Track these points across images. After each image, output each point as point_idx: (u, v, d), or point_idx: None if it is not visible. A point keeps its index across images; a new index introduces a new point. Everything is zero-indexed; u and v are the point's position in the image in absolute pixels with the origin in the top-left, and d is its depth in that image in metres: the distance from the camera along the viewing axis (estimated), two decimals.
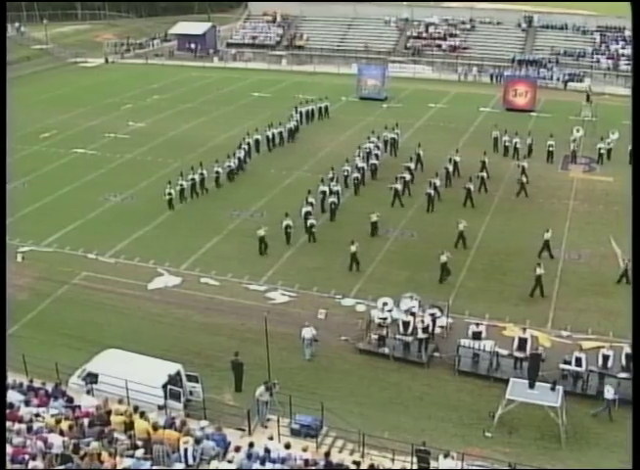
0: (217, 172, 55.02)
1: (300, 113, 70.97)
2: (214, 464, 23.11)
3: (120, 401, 26.19)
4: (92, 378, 28.61)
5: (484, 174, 53.85)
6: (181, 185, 52.18)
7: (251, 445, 23.66)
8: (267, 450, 23.41)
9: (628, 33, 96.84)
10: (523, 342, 32.61)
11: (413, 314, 34.69)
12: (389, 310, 35.30)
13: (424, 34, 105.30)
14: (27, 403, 25.66)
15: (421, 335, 33.85)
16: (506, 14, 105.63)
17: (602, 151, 60.61)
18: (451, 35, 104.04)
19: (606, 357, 31.51)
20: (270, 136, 64.00)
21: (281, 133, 65.62)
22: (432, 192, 50.59)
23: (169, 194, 51.06)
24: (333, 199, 49.36)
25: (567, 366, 31.55)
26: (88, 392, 27.59)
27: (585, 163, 60.90)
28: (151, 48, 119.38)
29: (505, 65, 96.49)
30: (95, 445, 22.53)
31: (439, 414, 30.36)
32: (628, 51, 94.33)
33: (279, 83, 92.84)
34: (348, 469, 23.64)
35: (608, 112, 74.31)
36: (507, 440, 28.62)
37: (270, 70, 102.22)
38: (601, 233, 44.71)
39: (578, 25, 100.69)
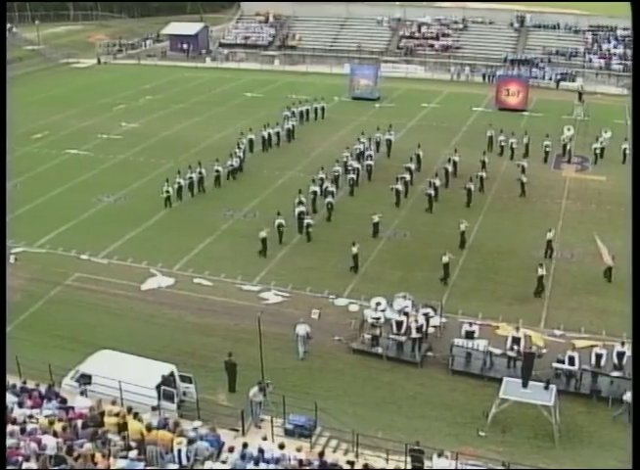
0: (217, 171, 55.09)
1: (293, 112, 70.91)
2: (208, 465, 23.10)
3: (114, 403, 26.13)
4: (85, 379, 28.58)
5: (483, 174, 53.87)
6: (179, 183, 52.25)
7: (245, 445, 23.64)
8: (261, 451, 23.39)
9: (620, 33, 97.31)
10: (516, 341, 32.68)
11: (406, 314, 34.75)
12: (383, 310, 35.32)
13: (416, 34, 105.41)
14: (21, 405, 25.59)
15: (414, 334, 33.89)
16: (498, 13, 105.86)
17: (597, 151, 60.63)
18: (444, 35, 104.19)
19: (599, 356, 31.64)
20: (266, 136, 63.93)
21: (278, 133, 65.59)
22: (432, 192, 50.58)
23: (167, 192, 51.19)
24: (329, 199, 49.32)
25: (560, 365, 31.61)
26: (82, 393, 27.51)
27: (578, 162, 60.98)
28: (143, 48, 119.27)
29: (497, 64, 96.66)
30: (89, 446, 22.52)
31: (433, 414, 30.39)
32: (620, 50, 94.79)
33: (271, 83, 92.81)
34: (342, 469, 23.65)
35: (600, 111, 74.60)
36: (501, 439, 28.65)
37: (263, 71, 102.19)
38: (593, 232, 44.72)
39: (570, 25, 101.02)
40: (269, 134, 64.30)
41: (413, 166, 55.27)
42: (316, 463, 23.37)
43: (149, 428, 24.13)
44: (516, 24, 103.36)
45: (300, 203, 47.66)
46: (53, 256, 43.94)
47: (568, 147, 61.33)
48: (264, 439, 24.87)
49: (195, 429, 24.76)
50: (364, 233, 46.04)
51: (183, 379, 29.14)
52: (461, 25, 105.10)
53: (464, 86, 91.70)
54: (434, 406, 30.84)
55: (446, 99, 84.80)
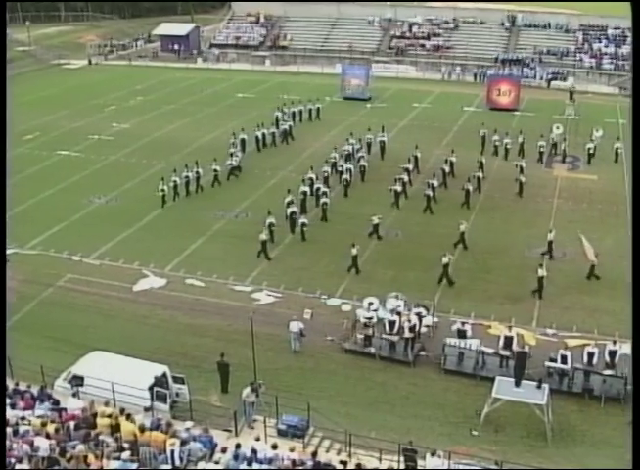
0: (215, 171, 55.16)
1: (286, 113, 70.74)
2: (201, 465, 23.10)
3: (106, 404, 26.10)
4: (78, 381, 28.52)
5: (480, 174, 53.86)
6: (174, 181, 52.30)
7: (238, 445, 23.64)
8: (254, 451, 23.39)
9: (611, 32, 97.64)
10: (508, 340, 32.73)
11: (399, 314, 34.78)
12: (375, 310, 35.39)
13: (407, 34, 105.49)
14: (13, 407, 25.58)
15: (407, 334, 33.91)
16: (489, 13, 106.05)
17: (591, 151, 60.51)
18: (435, 35, 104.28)
19: (591, 355, 31.71)
20: (260, 136, 63.92)
21: (273, 134, 65.64)
22: (430, 193, 50.50)
23: (162, 190, 51.27)
24: (325, 199, 49.25)
25: (552, 364, 31.65)
26: (74, 394, 27.46)
27: (569, 161, 61.03)
28: (134, 49, 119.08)
29: (488, 64, 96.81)
30: (81, 447, 22.50)
31: (426, 413, 30.41)
32: (611, 49, 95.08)
33: (263, 84, 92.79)
34: (335, 469, 23.66)
35: (591, 110, 74.79)
36: (493, 438, 28.68)
37: (254, 71, 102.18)
38: (585, 231, 44.80)
39: (561, 24, 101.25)
40: (263, 134, 64.28)
41: (411, 167, 55.16)
42: (309, 463, 23.36)
43: (142, 429, 24.11)
44: (507, 24, 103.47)
45: (292, 203, 47.70)
46: (45, 257, 43.85)
47: (562, 146, 61.30)
48: (257, 439, 24.84)
49: (187, 429, 24.74)
50: (356, 233, 46.03)
51: (176, 380, 29.09)
52: (452, 25, 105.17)
53: (455, 86, 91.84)
54: (427, 406, 30.86)
55: (437, 99, 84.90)
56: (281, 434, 27.39)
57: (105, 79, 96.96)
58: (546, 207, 51.67)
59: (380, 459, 25.74)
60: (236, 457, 23.10)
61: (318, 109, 74.22)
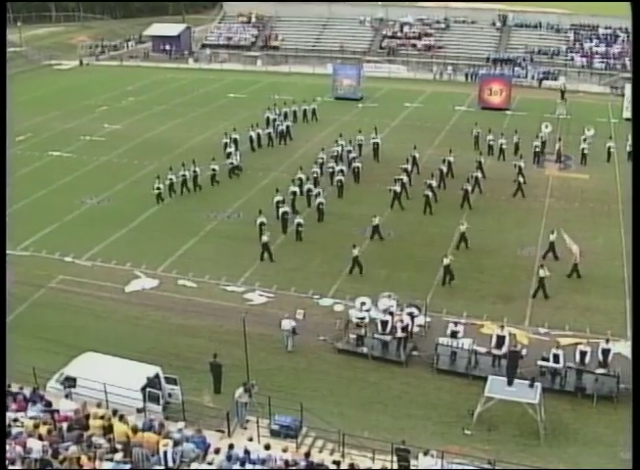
0: (214, 169, 55.34)
1: (279, 113, 70.54)
2: (194, 466, 23.09)
3: (99, 405, 26.08)
4: (70, 382, 28.47)
5: (479, 175, 53.83)
6: (170, 179, 52.46)
7: (231, 446, 23.65)
8: (247, 452, 23.40)
9: (602, 31, 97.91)
10: (501, 339, 32.77)
11: (391, 314, 34.79)
12: (368, 310, 35.39)
13: (399, 34, 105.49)
14: (5, 408, 25.50)
15: (399, 334, 33.94)
16: (480, 13, 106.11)
17: (585, 151, 60.40)
18: (426, 35, 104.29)
19: (583, 354, 31.74)
20: (254, 137, 63.95)
21: (269, 134, 65.58)
22: (430, 193, 50.35)
23: (158, 188, 51.39)
24: (320, 200, 49.19)
25: (545, 363, 31.70)
26: (67, 396, 27.41)
27: (554, 159, 60.90)
28: (125, 50, 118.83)
29: (480, 63, 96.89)
30: (74, 449, 22.46)
31: (419, 413, 30.43)
32: (602, 49, 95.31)
33: (254, 84, 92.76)
34: (329, 469, 23.66)
35: (582, 109, 74.85)
36: (486, 437, 28.72)
37: (245, 71, 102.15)
38: (577, 230, 44.88)
39: (552, 24, 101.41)
40: (258, 135, 64.32)
41: (409, 168, 55.02)
42: (302, 464, 23.38)
43: (134, 430, 24.09)
44: (498, 24, 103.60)
45: (282, 202, 47.79)
46: (36, 258, 43.75)
47: (557, 146, 61.17)
48: (250, 440, 24.85)
49: (180, 430, 24.72)
50: (349, 233, 46.13)
51: (168, 381, 29.06)
52: (443, 25, 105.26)
53: (446, 86, 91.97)
54: (420, 406, 30.89)
55: (429, 98, 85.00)
56: (274, 434, 27.39)
57: (96, 80, 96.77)
58: (538, 206, 51.74)
59: (373, 459, 25.78)
60: (229, 458, 23.10)
61: (314, 110, 73.87)
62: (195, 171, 53.95)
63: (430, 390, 31.95)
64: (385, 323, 34.33)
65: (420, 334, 35.36)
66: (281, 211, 46.91)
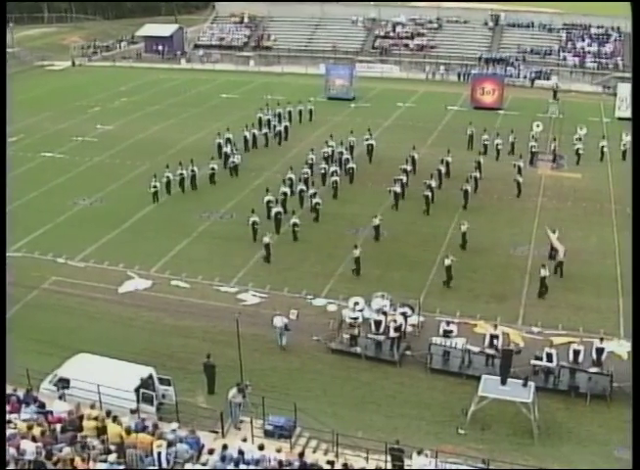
0: (213, 169, 55.54)
1: (276, 114, 70.32)
2: (188, 467, 23.08)
3: (93, 406, 26.07)
4: (64, 383, 28.43)
5: (477, 175, 53.75)
6: (167, 177, 52.58)
7: (225, 447, 23.66)
8: (241, 452, 23.42)
9: (594, 31, 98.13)
10: (494, 338, 32.80)
11: (385, 313, 34.79)
12: (361, 310, 35.39)
13: (391, 34, 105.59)
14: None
15: (393, 334, 33.94)
16: (473, 12, 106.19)
17: (580, 151, 60.43)
18: (418, 34, 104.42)
19: (576, 352, 31.78)
20: (250, 137, 63.94)
21: (266, 134, 65.61)
22: (429, 194, 50.27)
23: (154, 187, 51.51)
24: (317, 200, 49.12)
25: (538, 362, 31.74)
26: (60, 397, 27.39)
27: (550, 159, 60.94)
28: (118, 50, 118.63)
29: (472, 63, 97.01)
30: (68, 450, 22.45)
31: (412, 412, 30.44)
32: (594, 48, 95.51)
33: (247, 84, 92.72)
34: (322, 469, 23.67)
35: (574, 108, 75.00)
36: (480, 436, 28.75)
37: (238, 72, 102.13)
38: (570, 229, 44.96)
39: (544, 23, 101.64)
40: (254, 135, 64.35)
41: (409, 168, 54.86)
42: (296, 464, 23.41)
43: (128, 431, 24.08)
44: (490, 24, 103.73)
45: (273, 202, 47.88)
46: (29, 259, 43.65)
47: (552, 146, 61.14)
48: (244, 440, 24.85)
49: (174, 431, 24.71)
50: (342, 233, 46.20)
51: (162, 381, 29.04)
52: (436, 25, 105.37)
53: (439, 85, 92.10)
54: (414, 405, 30.91)
55: (422, 98, 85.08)
56: (268, 434, 27.38)
57: (89, 81, 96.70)
58: (531, 205, 51.80)
59: (367, 459, 25.79)
60: (223, 458, 23.12)
61: (311, 110, 73.67)
62: (193, 171, 54.11)
63: (423, 389, 31.97)
64: (378, 323, 34.33)
65: (413, 334, 35.40)
66: (274, 211, 46.90)
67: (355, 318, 34.77)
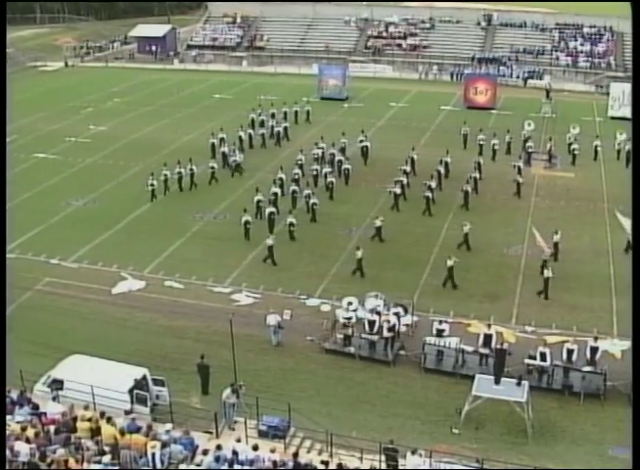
0: (213, 168, 55.63)
1: (273, 115, 70.18)
2: (183, 467, 23.06)
3: (86, 407, 26.02)
4: (57, 384, 28.39)
5: (477, 175, 53.73)
6: (165, 175, 52.65)
7: (219, 447, 23.64)
8: (235, 453, 23.41)
9: (586, 30, 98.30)
10: (488, 338, 32.85)
11: (378, 313, 34.80)
12: (354, 310, 35.45)
13: (384, 34, 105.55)
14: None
15: (386, 334, 33.95)
16: (465, 12, 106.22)
17: (576, 152, 60.39)
18: (411, 34, 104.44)
19: (570, 352, 31.85)
20: (246, 137, 63.95)
21: (263, 135, 65.62)
22: (429, 195, 50.16)
23: (152, 185, 51.63)
24: (314, 200, 49.10)
25: (532, 361, 31.77)
26: (54, 398, 27.39)
27: (545, 159, 61.03)
28: (111, 51, 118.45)
29: (465, 63, 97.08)
30: (62, 451, 22.40)
31: (406, 412, 30.47)
32: (587, 48, 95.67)
33: (240, 85, 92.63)
34: (317, 469, 23.67)
35: (567, 108, 75.15)
36: (474, 436, 28.79)
37: (231, 72, 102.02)
38: (563, 229, 44.95)
39: (537, 23, 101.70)
40: (250, 135, 64.38)
41: (408, 169, 54.67)
42: (290, 464, 23.40)
43: (122, 432, 24.05)
44: (483, 23, 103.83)
45: (269, 203, 47.87)
46: (23, 261, 43.53)
47: (547, 146, 61.04)
48: (238, 441, 24.86)
49: (168, 432, 24.69)
50: (336, 234, 46.22)
51: (156, 382, 29.00)
52: (428, 25, 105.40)
53: (432, 85, 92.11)
54: (408, 405, 30.93)
55: (415, 98, 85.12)
56: (262, 435, 27.37)
57: (81, 81, 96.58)
58: (524, 205, 51.83)
59: (361, 459, 25.78)
60: (217, 459, 23.10)
61: (308, 111, 73.46)
62: (191, 169, 54.23)
63: (417, 389, 32.01)
64: (372, 323, 34.32)
65: (407, 333, 35.41)
66: (267, 211, 46.85)
67: (349, 318, 34.80)
